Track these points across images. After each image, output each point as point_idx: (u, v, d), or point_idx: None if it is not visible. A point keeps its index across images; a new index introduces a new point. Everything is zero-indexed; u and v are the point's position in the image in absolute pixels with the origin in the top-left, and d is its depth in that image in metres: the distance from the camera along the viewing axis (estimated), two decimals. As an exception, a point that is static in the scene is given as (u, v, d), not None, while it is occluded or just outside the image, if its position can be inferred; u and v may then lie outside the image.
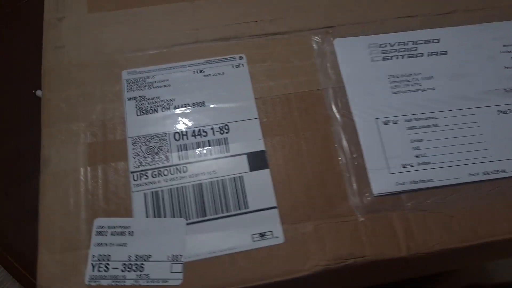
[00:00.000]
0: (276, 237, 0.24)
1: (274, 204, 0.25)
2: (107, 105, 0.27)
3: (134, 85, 0.27)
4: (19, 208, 0.45)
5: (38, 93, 0.47)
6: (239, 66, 0.28)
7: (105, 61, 0.28)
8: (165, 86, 0.27)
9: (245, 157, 0.26)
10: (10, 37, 0.53)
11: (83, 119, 0.26)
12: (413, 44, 0.29)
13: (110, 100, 0.27)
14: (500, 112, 0.27)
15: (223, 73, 0.28)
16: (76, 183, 0.25)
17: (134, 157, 0.25)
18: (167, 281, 0.23)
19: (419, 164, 0.26)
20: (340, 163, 0.26)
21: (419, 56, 0.29)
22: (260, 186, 0.25)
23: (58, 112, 0.26)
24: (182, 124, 0.26)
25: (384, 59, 0.29)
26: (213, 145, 0.26)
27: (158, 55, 0.28)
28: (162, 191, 0.25)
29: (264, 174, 0.25)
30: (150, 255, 0.24)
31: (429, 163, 0.26)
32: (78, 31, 0.29)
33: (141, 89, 0.27)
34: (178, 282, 0.23)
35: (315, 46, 0.29)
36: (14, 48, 0.52)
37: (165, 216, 0.24)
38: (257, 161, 0.26)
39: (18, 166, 0.46)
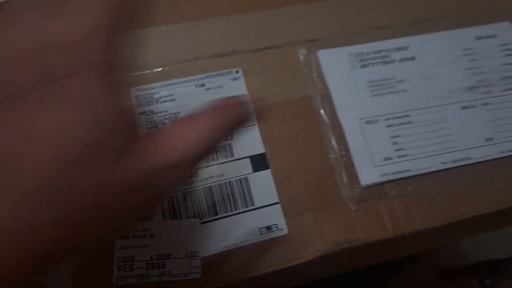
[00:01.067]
0: (281, 229, 0.27)
1: (277, 200, 0.28)
2: (119, 120, 0.29)
3: (142, 100, 0.29)
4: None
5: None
6: (236, 79, 0.31)
7: (113, 80, 0.30)
8: (170, 100, 0.30)
9: (248, 160, 0.29)
10: None
11: (98, 134, 0.28)
12: (386, 52, 0.33)
13: (121, 116, 0.29)
14: (463, 107, 0.32)
15: (222, 86, 0.31)
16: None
17: (148, 166, 0.28)
18: (187, 275, 0.26)
19: (398, 157, 0.29)
20: (331, 160, 0.29)
21: (392, 62, 0.33)
22: (263, 185, 0.28)
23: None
24: (189, 134, 0.29)
25: (363, 66, 0.32)
26: (219, 151, 0.29)
27: (162, 73, 0.30)
28: (176, 195, 0.27)
29: (266, 174, 0.29)
30: (170, 254, 0.26)
31: (406, 155, 0.30)
32: (85, 53, 0.31)
33: (149, 104, 0.29)
34: (197, 276, 0.26)
35: (301, 57, 0.32)
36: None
37: (180, 218, 0.27)
38: (259, 162, 0.29)
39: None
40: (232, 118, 0.17)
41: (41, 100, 0.13)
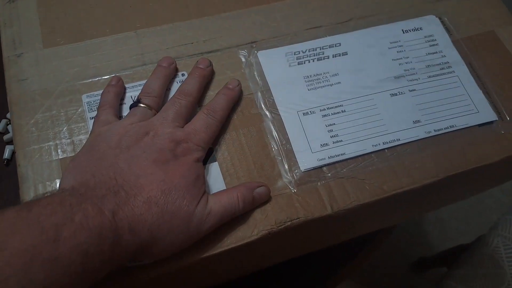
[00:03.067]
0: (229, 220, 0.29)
1: (224, 188, 0.30)
2: (73, 125, 0.31)
3: (93, 106, 0.32)
4: None
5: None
6: (182, 81, 0.33)
7: (66, 88, 0.32)
8: (120, 104, 0.32)
9: (196, 154, 0.31)
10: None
11: (53, 139, 0.30)
12: (320, 49, 0.36)
13: (75, 121, 0.31)
14: (392, 95, 0.35)
15: (170, 88, 0.33)
16: (53, 193, 0.29)
17: (101, 166, 0.30)
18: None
19: (334, 142, 0.32)
20: (273, 149, 0.32)
21: (326, 58, 0.36)
22: (213, 176, 0.31)
23: (29, 136, 0.30)
24: (140, 134, 0.31)
25: (299, 63, 0.35)
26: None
27: (112, 79, 0.33)
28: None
29: (214, 167, 0.31)
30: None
31: (341, 141, 0.33)
32: (38, 65, 0.33)
33: (101, 109, 0.32)
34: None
35: (243, 59, 0.35)
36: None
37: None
38: (207, 156, 0.31)
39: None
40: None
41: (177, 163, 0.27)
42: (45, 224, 0.20)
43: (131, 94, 0.32)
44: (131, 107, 0.30)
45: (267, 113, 0.33)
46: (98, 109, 0.30)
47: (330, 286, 0.48)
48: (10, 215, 0.20)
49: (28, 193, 0.28)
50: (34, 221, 0.20)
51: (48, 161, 0.30)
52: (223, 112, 0.31)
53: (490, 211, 1.16)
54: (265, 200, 0.30)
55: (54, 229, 0.20)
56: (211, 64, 0.34)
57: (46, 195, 0.22)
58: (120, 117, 0.31)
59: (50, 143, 0.30)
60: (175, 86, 0.33)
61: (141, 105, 0.30)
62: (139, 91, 0.32)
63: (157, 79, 0.32)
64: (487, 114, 0.35)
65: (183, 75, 0.34)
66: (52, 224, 0.20)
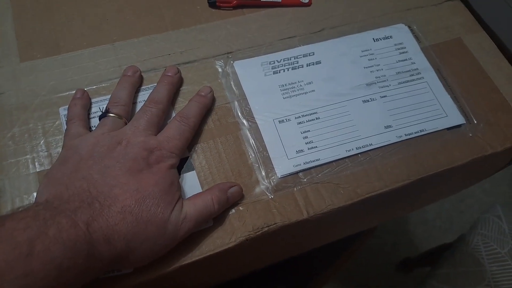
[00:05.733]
0: (206, 222, 0.30)
1: (202, 196, 0.31)
2: (50, 138, 0.31)
3: (71, 118, 0.32)
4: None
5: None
6: (158, 91, 0.34)
7: (43, 102, 0.32)
8: (98, 116, 0.32)
9: (173, 163, 0.32)
10: None
11: (30, 152, 0.31)
12: (294, 58, 0.37)
13: (52, 134, 0.32)
14: (364, 101, 0.36)
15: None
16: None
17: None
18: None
19: (309, 149, 0.33)
20: (251, 157, 0.33)
21: (300, 67, 0.37)
22: (190, 184, 0.31)
23: (6, 150, 0.30)
24: (118, 145, 0.31)
25: (274, 73, 0.36)
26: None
27: (90, 91, 0.33)
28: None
29: (192, 175, 0.32)
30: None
31: (316, 147, 0.33)
32: (15, 79, 0.33)
33: (78, 121, 0.32)
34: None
35: (219, 69, 0.36)
36: None
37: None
38: (185, 166, 0.32)
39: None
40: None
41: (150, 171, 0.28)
42: (18, 239, 0.20)
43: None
44: (100, 117, 0.31)
45: (244, 121, 0.34)
46: (67, 122, 0.31)
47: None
48: None
49: (5, 207, 0.28)
50: (8, 236, 0.20)
51: (25, 174, 0.30)
52: (196, 118, 0.32)
53: (472, 211, 1.19)
54: (239, 199, 0.31)
55: (28, 243, 0.20)
56: (179, 71, 0.34)
57: (19, 209, 0.22)
58: (89, 128, 0.31)
59: (27, 156, 0.30)
60: (153, 97, 0.34)
61: (111, 114, 0.30)
62: (117, 103, 0.32)
63: (124, 88, 0.32)
64: (456, 118, 0.36)
65: (160, 86, 0.34)
66: (25, 238, 0.20)
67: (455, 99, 0.37)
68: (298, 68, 0.37)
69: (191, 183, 0.31)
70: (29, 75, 0.34)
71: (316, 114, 0.35)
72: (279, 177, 0.32)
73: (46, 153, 0.31)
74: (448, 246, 0.80)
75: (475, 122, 0.36)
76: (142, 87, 0.34)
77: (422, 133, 0.35)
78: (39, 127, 0.32)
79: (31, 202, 0.29)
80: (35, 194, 0.29)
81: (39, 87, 0.33)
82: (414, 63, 0.38)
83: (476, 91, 0.37)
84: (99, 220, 0.24)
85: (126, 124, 0.30)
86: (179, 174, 0.31)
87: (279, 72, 0.37)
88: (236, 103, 0.35)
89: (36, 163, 0.30)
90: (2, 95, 0.32)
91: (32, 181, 0.30)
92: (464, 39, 0.40)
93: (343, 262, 0.49)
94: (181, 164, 0.32)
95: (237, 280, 0.42)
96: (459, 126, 0.36)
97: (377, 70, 0.38)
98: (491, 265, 0.68)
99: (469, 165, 0.35)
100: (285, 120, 0.34)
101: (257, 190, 0.32)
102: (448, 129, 0.36)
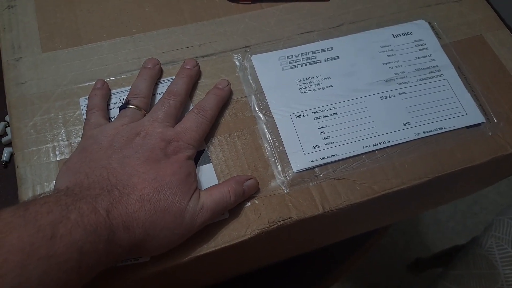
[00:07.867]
0: (222, 214, 0.30)
1: (218, 188, 0.31)
2: (70, 127, 0.32)
3: (91, 109, 0.32)
4: None
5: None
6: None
7: (64, 92, 0.33)
8: (117, 107, 0.33)
9: (191, 156, 0.32)
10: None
11: (51, 141, 0.31)
12: (313, 53, 0.37)
13: (72, 123, 0.32)
14: (382, 97, 0.36)
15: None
16: (51, 194, 0.29)
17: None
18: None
19: (326, 144, 0.33)
20: (267, 151, 0.33)
21: (318, 62, 0.37)
22: (207, 176, 0.31)
23: (28, 138, 0.31)
24: (136, 136, 0.32)
25: (292, 67, 0.36)
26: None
27: (109, 83, 0.33)
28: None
29: (208, 168, 0.32)
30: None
31: (333, 142, 0.33)
32: (37, 69, 0.34)
33: (98, 112, 0.32)
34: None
35: (237, 63, 0.36)
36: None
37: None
38: (201, 158, 0.32)
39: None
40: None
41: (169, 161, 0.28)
42: (41, 222, 0.20)
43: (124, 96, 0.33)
44: (120, 109, 0.31)
45: (261, 115, 0.34)
46: (87, 112, 0.31)
47: (325, 286, 0.48)
48: (7, 214, 0.21)
49: (26, 194, 0.29)
50: (31, 219, 0.20)
51: (46, 162, 0.30)
52: (213, 111, 0.32)
53: (486, 212, 1.17)
54: (254, 191, 0.31)
55: (50, 227, 0.20)
56: (197, 64, 0.34)
57: (41, 196, 0.23)
58: (109, 119, 0.32)
59: (48, 145, 0.31)
60: (171, 90, 0.34)
61: (130, 106, 0.31)
62: (136, 94, 0.33)
63: (144, 80, 0.32)
64: (475, 116, 0.35)
65: (178, 78, 0.34)
66: (48, 222, 0.20)
67: (475, 97, 0.36)
68: (316, 63, 0.37)
69: (207, 175, 0.32)
70: (51, 65, 0.34)
71: (333, 109, 0.35)
72: (295, 172, 0.32)
73: (66, 142, 0.31)
74: (460, 248, 0.79)
75: (495, 121, 0.35)
76: (161, 80, 0.34)
77: (441, 131, 0.35)
78: (60, 116, 0.32)
79: (51, 189, 0.29)
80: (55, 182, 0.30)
81: (60, 77, 0.34)
82: (434, 60, 0.38)
83: (497, 90, 0.37)
84: (119, 207, 0.24)
85: (145, 115, 0.30)
86: (196, 166, 0.31)
87: (297, 66, 0.36)
88: (253, 97, 0.35)
89: (57, 152, 0.31)
90: (24, 85, 0.33)
91: (52, 169, 0.30)
92: (486, 36, 0.40)
93: (355, 260, 0.49)
94: (198, 157, 0.32)
95: (247, 275, 0.43)
96: (478, 124, 0.35)
97: (396, 67, 0.37)
98: (505, 268, 0.67)
99: (487, 165, 0.34)
100: (302, 115, 0.34)
101: (273, 184, 0.32)
102: (467, 127, 0.35)
